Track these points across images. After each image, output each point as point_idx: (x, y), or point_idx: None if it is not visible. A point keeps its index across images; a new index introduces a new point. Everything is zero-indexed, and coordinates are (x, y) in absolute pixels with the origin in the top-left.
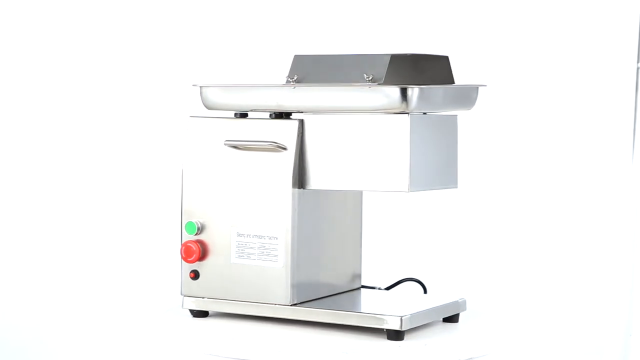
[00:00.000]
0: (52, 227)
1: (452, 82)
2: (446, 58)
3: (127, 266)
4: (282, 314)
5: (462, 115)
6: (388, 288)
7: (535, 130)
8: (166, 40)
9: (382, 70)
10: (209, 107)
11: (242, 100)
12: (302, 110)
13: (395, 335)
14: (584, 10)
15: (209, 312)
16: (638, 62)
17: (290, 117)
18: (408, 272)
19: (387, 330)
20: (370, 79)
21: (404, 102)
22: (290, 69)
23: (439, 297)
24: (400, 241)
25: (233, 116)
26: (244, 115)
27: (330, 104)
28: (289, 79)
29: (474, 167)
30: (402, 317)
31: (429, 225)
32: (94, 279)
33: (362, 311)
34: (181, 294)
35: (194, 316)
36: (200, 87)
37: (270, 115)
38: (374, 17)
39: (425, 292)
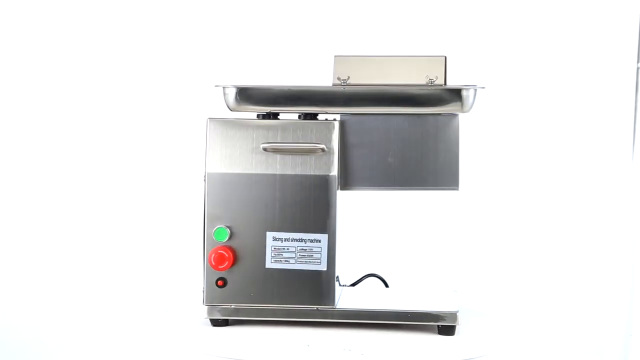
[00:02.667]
0: (53, 227)
1: (445, 83)
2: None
3: (129, 268)
4: (330, 317)
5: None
6: (353, 284)
7: (534, 131)
8: (184, 41)
9: (440, 71)
10: (234, 109)
11: (283, 101)
12: (351, 111)
13: (447, 330)
14: (584, 10)
15: (229, 320)
16: (638, 62)
17: (326, 118)
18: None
19: (440, 326)
20: (435, 80)
21: (460, 103)
22: (334, 69)
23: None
24: (394, 240)
25: (255, 117)
26: (267, 116)
27: (385, 104)
28: (341, 80)
29: (474, 168)
30: (457, 312)
31: (427, 226)
32: (95, 279)
33: (415, 309)
34: (204, 303)
35: (214, 325)
36: (225, 87)
37: (300, 116)
38: (374, 18)
39: (386, 286)
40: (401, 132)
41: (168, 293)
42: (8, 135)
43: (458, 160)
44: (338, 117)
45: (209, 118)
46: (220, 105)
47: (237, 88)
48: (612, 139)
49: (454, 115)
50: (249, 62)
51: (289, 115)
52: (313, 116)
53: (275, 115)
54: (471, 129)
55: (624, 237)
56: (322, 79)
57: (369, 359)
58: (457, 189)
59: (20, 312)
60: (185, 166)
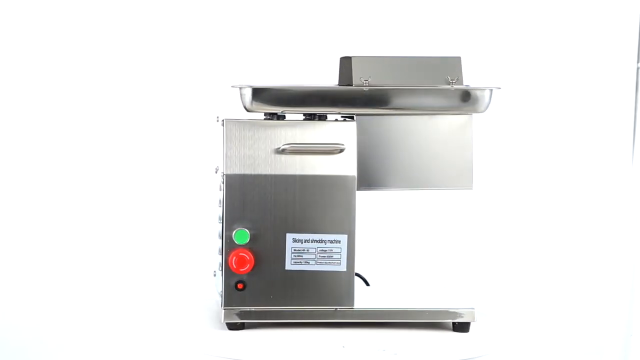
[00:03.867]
0: (55, 227)
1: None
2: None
3: (133, 268)
4: (350, 317)
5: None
6: None
7: (533, 131)
8: (195, 43)
9: (458, 72)
10: (251, 110)
11: (302, 102)
12: (371, 112)
13: (463, 327)
14: (584, 10)
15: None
16: (638, 62)
17: (336, 118)
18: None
19: (458, 323)
20: (455, 81)
21: (476, 104)
22: (354, 70)
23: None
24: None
25: (264, 117)
26: (280, 117)
27: (406, 105)
28: (364, 81)
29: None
30: (474, 309)
31: (426, 227)
32: (97, 280)
33: (431, 307)
34: (222, 307)
35: (230, 329)
36: (242, 87)
37: (310, 116)
38: (379, 18)
39: (367, 285)
40: (416, 132)
41: (170, 294)
42: (12, 136)
43: (472, 160)
44: (354, 117)
45: (225, 119)
46: (230, 106)
47: (255, 89)
48: (612, 139)
49: (469, 116)
50: (253, 63)
51: (297, 115)
52: (322, 117)
53: (281, 116)
54: (474, 129)
55: (625, 237)
56: (326, 79)
57: (403, 358)
58: (471, 189)
59: (20, 312)
60: (191, 166)
